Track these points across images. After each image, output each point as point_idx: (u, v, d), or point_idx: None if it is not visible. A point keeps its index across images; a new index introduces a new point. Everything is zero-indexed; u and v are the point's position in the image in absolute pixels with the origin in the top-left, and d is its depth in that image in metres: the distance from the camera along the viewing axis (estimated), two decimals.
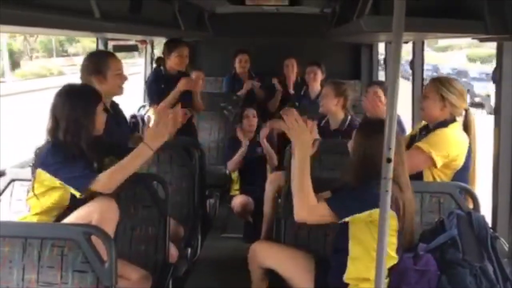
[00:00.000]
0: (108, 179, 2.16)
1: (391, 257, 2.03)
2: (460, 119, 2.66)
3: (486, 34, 1.89)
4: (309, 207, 2.09)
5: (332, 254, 2.21)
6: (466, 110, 2.65)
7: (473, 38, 2.20)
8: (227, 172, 4.09)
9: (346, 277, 2.09)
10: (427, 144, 2.53)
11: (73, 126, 2.21)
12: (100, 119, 2.31)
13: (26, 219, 2.25)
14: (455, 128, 2.61)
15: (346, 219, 2.06)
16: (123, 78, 2.79)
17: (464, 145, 2.58)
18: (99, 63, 2.74)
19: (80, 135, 2.21)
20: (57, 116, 2.23)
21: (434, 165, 2.52)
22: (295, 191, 2.12)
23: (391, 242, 2.03)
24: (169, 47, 3.90)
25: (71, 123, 2.21)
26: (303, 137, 2.13)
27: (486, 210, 2.37)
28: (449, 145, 2.55)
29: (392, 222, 2.00)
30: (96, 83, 2.70)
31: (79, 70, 2.82)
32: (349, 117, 3.49)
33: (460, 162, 2.56)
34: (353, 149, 2.17)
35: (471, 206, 2.42)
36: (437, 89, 2.62)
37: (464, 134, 2.61)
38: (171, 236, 2.53)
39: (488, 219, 2.24)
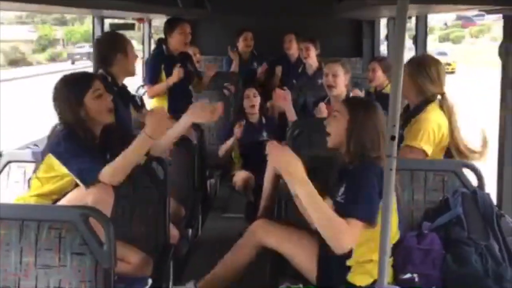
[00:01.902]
0: (112, 172, 2.13)
1: (394, 233, 2.00)
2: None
3: (494, 5, 1.83)
4: (345, 233, 1.83)
5: None
6: (442, 95, 2.55)
7: (480, 10, 2.13)
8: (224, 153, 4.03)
9: (352, 262, 2.04)
10: (415, 140, 2.46)
11: (71, 116, 2.18)
12: (97, 104, 2.21)
13: (24, 199, 2.22)
14: (433, 112, 2.53)
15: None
16: (136, 57, 2.90)
17: (445, 125, 2.52)
18: (121, 41, 2.81)
19: (80, 125, 2.18)
20: (56, 107, 2.22)
21: (426, 154, 2.49)
22: (325, 227, 1.85)
23: (394, 218, 1.99)
24: (170, 25, 3.83)
25: (68, 114, 2.19)
26: (296, 168, 1.83)
27: (491, 188, 2.34)
28: (432, 130, 2.49)
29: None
30: (121, 60, 2.77)
31: (97, 50, 2.88)
32: (350, 94, 3.45)
33: (447, 139, 2.52)
34: (345, 130, 2.06)
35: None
36: (410, 73, 2.52)
37: (442, 113, 2.53)
38: (171, 217, 2.51)
39: (493, 197, 2.21)
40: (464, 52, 17.92)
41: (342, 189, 1.98)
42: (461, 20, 24.59)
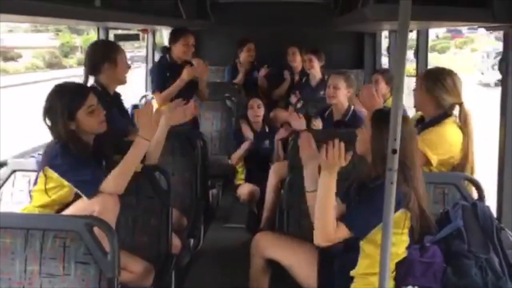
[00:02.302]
0: (114, 182, 2.16)
1: (400, 254, 2.01)
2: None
3: (494, 22, 1.86)
4: (330, 234, 2.01)
5: (341, 250, 2.13)
6: (460, 105, 2.55)
7: (480, 27, 2.16)
8: (230, 162, 4.04)
9: (355, 273, 2.06)
10: (421, 141, 2.43)
11: (62, 130, 2.16)
12: (89, 120, 2.20)
13: (27, 210, 2.24)
14: (448, 125, 2.53)
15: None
16: (128, 67, 2.86)
17: (458, 143, 2.52)
18: (110, 50, 2.79)
19: (71, 137, 2.17)
20: (48, 120, 2.20)
21: (429, 163, 2.48)
22: (317, 216, 2.03)
23: (403, 240, 2.01)
24: (174, 36, 3.89)
25: (60, 128, 2.17)
26: (336, 164, 2.02)
27: (491, 201, 2.35)
28: (443, 144, 2.50)
29: (406, 223, 1.99)
30: (109, 69, 2.75)
31: (87, 58, 2.83)
32: (352, 108, 3.47)
33: (455, 161, 2.52)
34: (369, 142, 2.07)
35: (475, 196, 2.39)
36: (423, 85, 2.54)
37: (458, 131, 2.53)
38: (173, 227, 2.52)
39: (493, 210, 2.22)
40: (446, 60, 18.63)
41: (355, 202, 2.06)
42: (451, 32, 25.09)
